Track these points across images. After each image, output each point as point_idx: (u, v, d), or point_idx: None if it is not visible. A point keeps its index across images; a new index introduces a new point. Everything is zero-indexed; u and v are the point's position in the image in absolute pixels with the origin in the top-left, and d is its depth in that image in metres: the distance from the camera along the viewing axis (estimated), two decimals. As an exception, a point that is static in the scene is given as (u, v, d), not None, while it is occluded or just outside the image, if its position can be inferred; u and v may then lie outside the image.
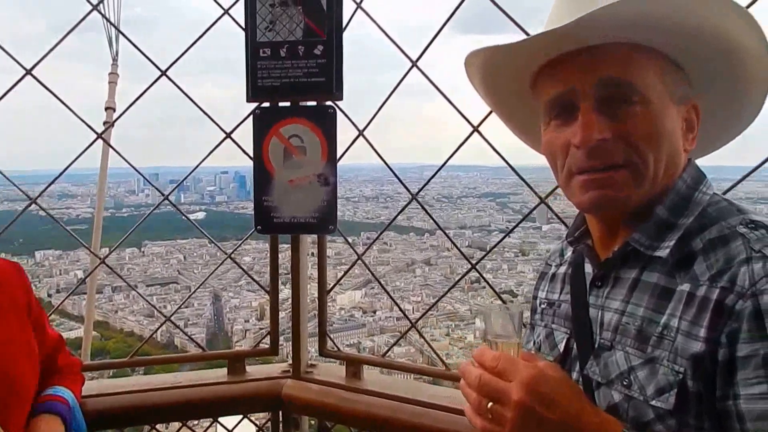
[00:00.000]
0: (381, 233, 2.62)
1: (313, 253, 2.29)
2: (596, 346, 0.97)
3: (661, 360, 0.87)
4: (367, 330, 12.81)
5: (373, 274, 2.34)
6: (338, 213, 2.12)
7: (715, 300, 0.84)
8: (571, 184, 0.98)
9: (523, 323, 0.97)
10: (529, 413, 0.82)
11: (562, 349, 1.08)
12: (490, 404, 0.86)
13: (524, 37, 0.98)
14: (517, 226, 2.23)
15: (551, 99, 0.98)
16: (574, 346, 1.03)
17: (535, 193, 1.84)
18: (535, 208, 1.86)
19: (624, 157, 0.92)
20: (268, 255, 2.26)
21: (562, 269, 1.17)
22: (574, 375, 1.02)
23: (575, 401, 0.85)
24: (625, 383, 0.91)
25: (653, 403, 0.87)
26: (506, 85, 1.08)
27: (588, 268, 1.06)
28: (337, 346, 2.26)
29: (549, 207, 1.82)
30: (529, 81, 1.05)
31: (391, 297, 2.23)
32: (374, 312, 13.10)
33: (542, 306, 1.19)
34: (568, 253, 1.17)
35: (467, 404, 0.91)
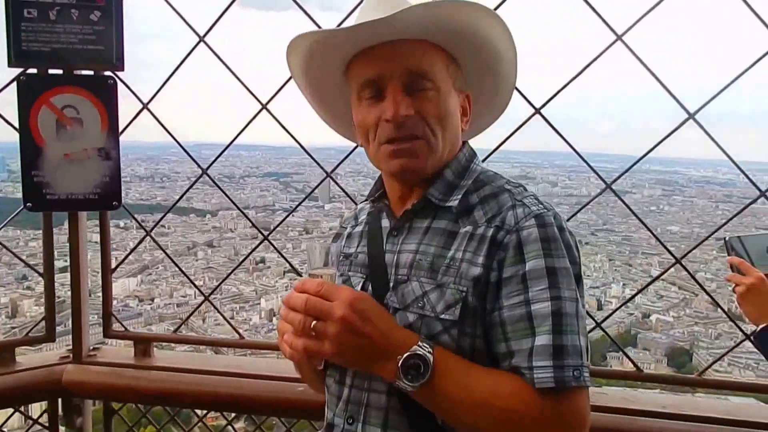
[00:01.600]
0: (167, 212, 2.55)
1: (90, 239, 2.18)
2: (392, 283, 1.18)
3: (449, 284, 1.10)
4: (144, 319, 12.01)
5: (163, 250, 2.30)
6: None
7: (491, 236, 1.11)
8: (381, 152, 1.19)
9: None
10: (350, 327, 1.01)
11: (359, 291, 1.23)
12: (314, 323, 1.02)
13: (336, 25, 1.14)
14: (301, 203, 2.40)
15: (365, 81, 1.18)
16: (369, 287, 1.22)
17: (321, 167, 2.00)
18: (321, 182, 2.00)
19: (422, 132, 1.16)
20: (42, 237, 2.09)
21: (358, 228, 1.36)
22: None
23: (385, 318, 1.07)
24: (419, 305, 1.12)
25: (442, 317, 1.09)
26: (323, 68, 1.25)
27: (385, 222, 1.28)
28: (124, 327, 2.18)
29: (334, 180, 1.98)
30: (342, 67, 1.24)
31: (184, 273, 2.18)
32: (152, 300, 12.34)
33: (338, 259, 1.35)
34: (362, 216, 1.38)
35: (286, 332, 1.08)
